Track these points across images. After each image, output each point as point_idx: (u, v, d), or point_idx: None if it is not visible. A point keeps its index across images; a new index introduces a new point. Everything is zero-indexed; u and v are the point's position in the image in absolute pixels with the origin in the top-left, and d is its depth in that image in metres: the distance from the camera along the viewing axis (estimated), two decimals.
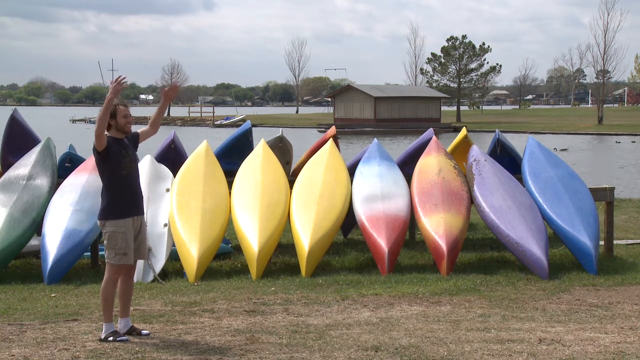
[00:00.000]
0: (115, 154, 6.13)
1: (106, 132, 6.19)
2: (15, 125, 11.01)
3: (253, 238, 9.00)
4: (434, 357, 5.63)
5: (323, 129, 58.98)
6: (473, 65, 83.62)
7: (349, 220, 10.13)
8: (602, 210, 10.48)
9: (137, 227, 6.27)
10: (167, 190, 9.91)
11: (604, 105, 72.70)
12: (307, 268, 8.95)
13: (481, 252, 10.46)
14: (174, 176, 10.15)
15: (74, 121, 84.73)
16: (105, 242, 6.22)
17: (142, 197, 6.43)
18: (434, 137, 11.07)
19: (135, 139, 6.45)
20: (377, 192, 9.75)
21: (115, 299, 6.25)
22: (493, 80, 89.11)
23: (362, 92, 72.90)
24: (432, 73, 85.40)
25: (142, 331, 6.26)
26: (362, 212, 9.51)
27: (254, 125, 13.68)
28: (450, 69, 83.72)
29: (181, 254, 9.09)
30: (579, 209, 9.35)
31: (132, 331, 6.22)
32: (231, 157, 11.15)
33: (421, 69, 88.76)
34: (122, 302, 6.31)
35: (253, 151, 10.72)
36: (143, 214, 6.37)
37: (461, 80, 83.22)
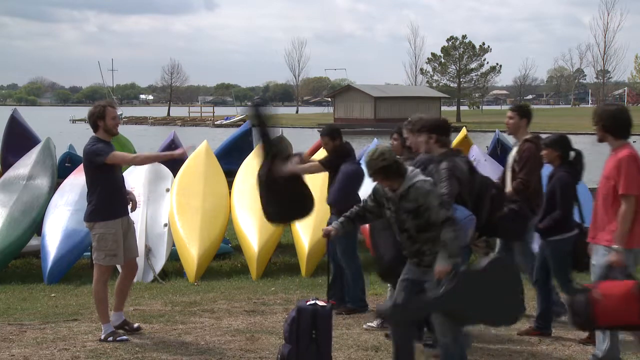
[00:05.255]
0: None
1: (93, 134, 6.19)
2: (15, 125, 11.03)
3: (253, 238, 8.99)
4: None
5: None
6: (473, 65, 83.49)
7: None
8: None
9: (125, 227, 6.27)
10: (167, 190, 9.90)
11: None
12: (307, 268, 8.94)
13: None
14: (174, 176, 10.15)
15: (74, 121, 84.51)
16: (94, 244, 6.20)
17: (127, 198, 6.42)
18: None
19: None
20: None
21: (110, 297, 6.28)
22: (493, 80, 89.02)
23: (362, 92, 72.84)
24: (432, 73, 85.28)
25: (134, 325, 6.29)
26: None
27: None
28: (450, 69, 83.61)
29: (181, 254, 9.08)
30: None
31: (124, 324, 6.25)
32: (231, 157, 11.16)
33: (421, 69, 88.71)
34: (118, 297, 6.33)
35: (253, 151, 10.71)
36: (128, 214, 6.36)
37: (461, 80, 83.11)
